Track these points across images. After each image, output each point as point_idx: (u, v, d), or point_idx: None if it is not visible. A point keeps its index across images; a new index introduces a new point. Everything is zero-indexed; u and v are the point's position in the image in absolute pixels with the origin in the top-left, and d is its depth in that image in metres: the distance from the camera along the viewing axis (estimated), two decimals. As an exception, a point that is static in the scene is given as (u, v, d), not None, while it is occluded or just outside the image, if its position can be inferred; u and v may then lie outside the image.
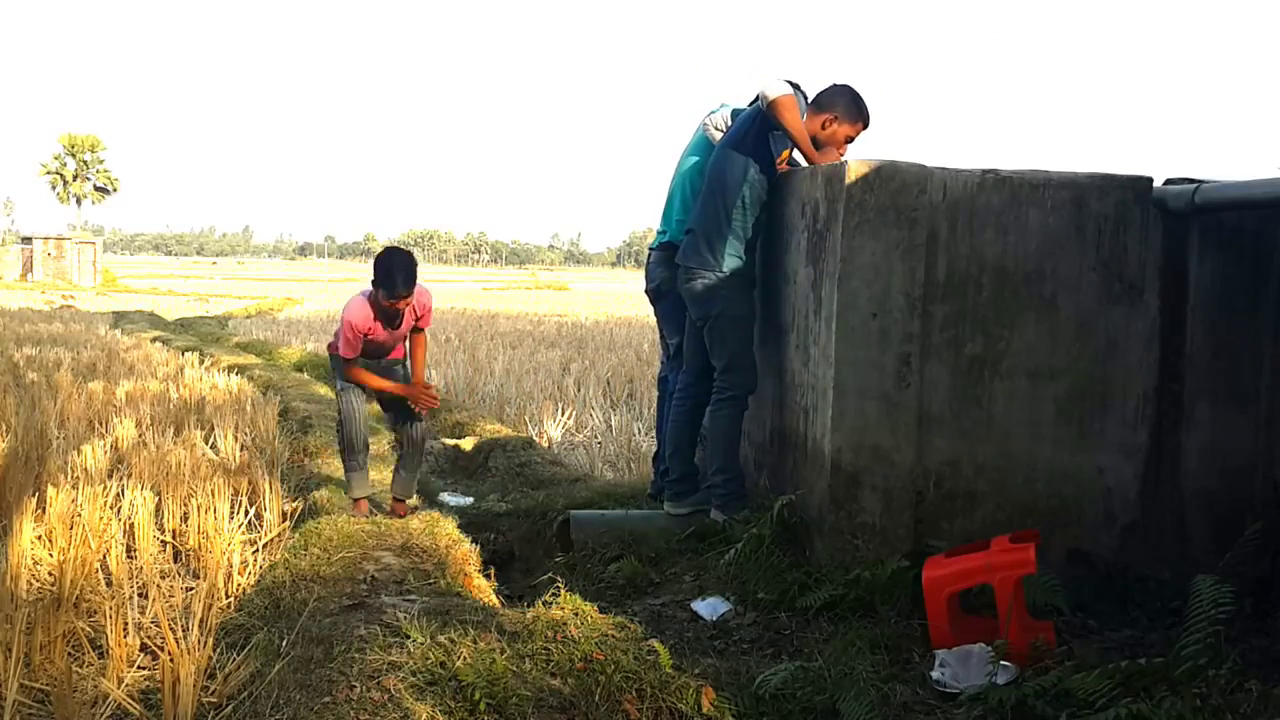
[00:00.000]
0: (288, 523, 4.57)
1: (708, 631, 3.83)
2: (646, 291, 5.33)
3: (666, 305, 5.17)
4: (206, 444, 6.32)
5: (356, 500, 4.81)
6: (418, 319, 4.83)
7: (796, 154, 4.79)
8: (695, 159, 5.03)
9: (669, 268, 5.05)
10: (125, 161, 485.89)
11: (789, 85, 4.49)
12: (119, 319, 20.60)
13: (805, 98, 4.72)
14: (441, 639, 2.97)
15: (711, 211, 4.64)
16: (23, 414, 6.55)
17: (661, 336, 5.45)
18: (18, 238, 57.53)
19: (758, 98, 4.54)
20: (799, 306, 4.38)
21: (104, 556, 3.92)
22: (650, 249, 5.37)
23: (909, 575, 3.73)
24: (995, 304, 4.03)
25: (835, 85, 4.64)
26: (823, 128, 4.57)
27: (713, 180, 4.67)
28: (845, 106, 4.59)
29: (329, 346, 5.01)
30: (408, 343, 4.93)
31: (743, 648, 3.67)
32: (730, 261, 4.59)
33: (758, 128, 4.57)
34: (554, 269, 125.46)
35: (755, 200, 4.59)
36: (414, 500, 5.13)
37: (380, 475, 5.51)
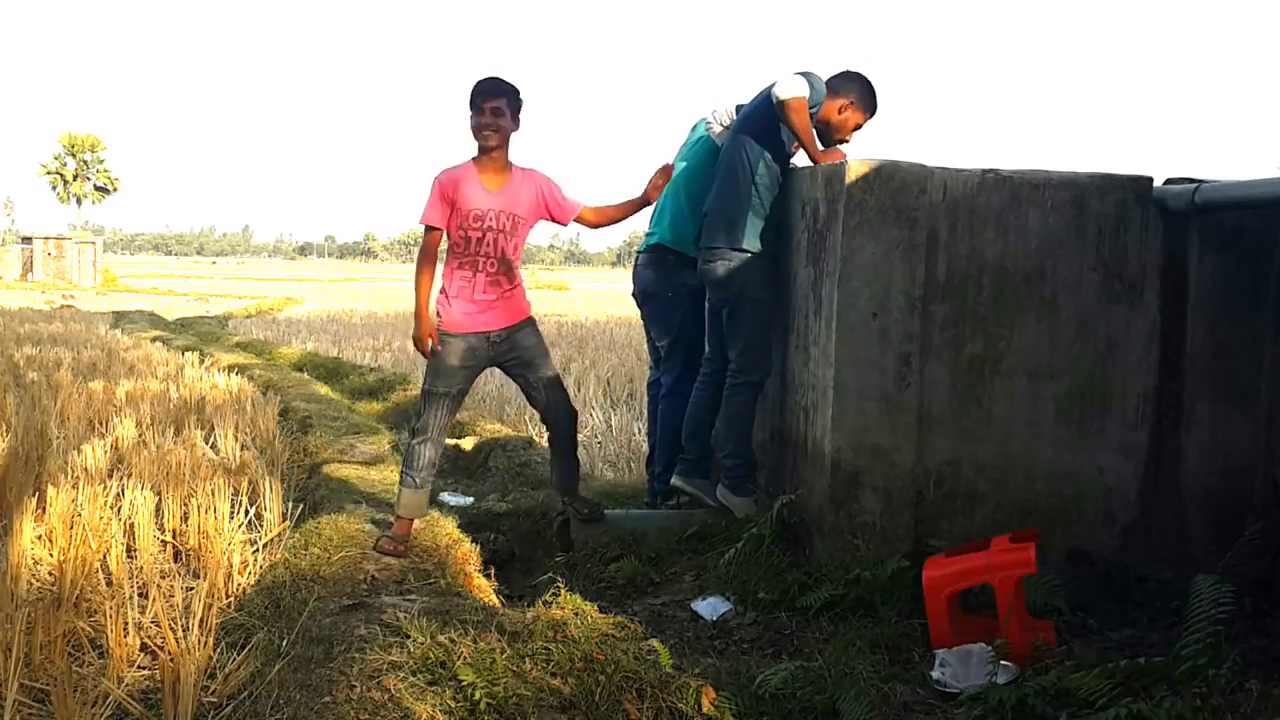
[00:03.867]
0: (288, 522, 4.57)
1: (708, 631, 3.83)
2: (634, 295, 5.31)
3: (654, 307, 5.19)
4: (206, 444, 6.32)
5: (399, 518, 4.17)
6: (546, 203, 4.22)
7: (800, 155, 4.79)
8: (686, 164, 5.03)
9: (657, 270, 5.10)
10: (125, 161, 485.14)
11: (805, 82, 4.38)
12: (119, 319, 20.59)
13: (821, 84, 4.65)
14: (441, 639, 2.97)
15: (730, 194, 4.61)
16: (23, 413, 6.55)
17: (649, 340, 5.43)
18: (18, 237, 57.47)
19: (770, 86, 4.49)
20: (799, 306, 4.38)
21: (104, 556, 3.92)
22: (638, 252, 5.35)
23: (909, 575, 3.73)
24: (995, 304, 4.03)
25: (849, 71, 4.63)
26: (839, 112, 4.58)
27: (728, 164, 4.65)
28: (860, 94, 4.61)
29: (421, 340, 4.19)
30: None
31: (743, 647, 3.67)
32: (750, 242, 4.55)
33: (768, 115, 4.51)
34: (554, 269, 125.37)
35: (773, 182, 4.55)
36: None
37: (382, 475, 5.51)
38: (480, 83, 4.09)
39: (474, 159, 4.14)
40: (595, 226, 4.49)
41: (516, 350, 4.27)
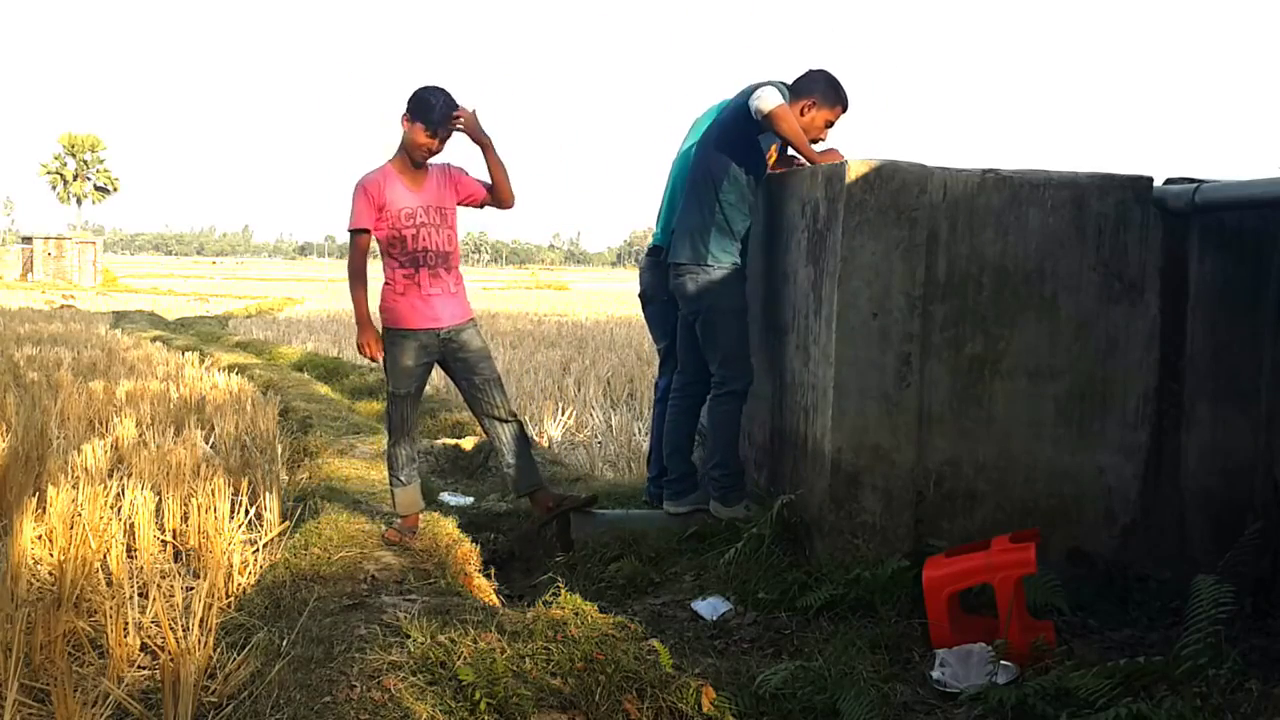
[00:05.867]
0: (288, 522, 4.57)
1: (708, 631, 3.83)
2: (639, 295, 5.35)
3: (652, 310, 5.23)
4: (207, 443, 6.32)
5: (404, 517, 4.38)
6: (457, 186, 4.30)
7: (791, 151, 4.79)
8: (682, 167, 5.03)
9: (655, 272, 5.11)
10: (125, 161, 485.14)
11: (780, 90, 4.40)
12: (119, 319, 20.60)
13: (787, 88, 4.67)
14: (442, 639, 2.97)
15: (696, 208, 4.63)
16: (23, 413, 6.55)
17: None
18: (18, 237, 57.45)
19: (744, 95, 4.49)
20: (799, 306, 4.38)
21: (104, 556, 3.92)
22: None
23: (909, 575, 3.73)
24: (995, 303, 4.03)
25: (811, 70, 4.61)
26: (802, 114, 4.54)
27: (697, 177, 4.66)
28: (823, 91, 4.56)
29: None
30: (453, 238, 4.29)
31: (743, 647, 3.67)
32: (717, 256, 4.57)
33: (743, 126, 4.51)
34: (554, 269, 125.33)
35: (741, 196, 4.56)
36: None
37: (382, 475, 5.51)
38: (450, 98, 4.14)
39: (393, 163, 4.22)
40: (500, 195, 4.35)
41: (465, 351, 4.39)
